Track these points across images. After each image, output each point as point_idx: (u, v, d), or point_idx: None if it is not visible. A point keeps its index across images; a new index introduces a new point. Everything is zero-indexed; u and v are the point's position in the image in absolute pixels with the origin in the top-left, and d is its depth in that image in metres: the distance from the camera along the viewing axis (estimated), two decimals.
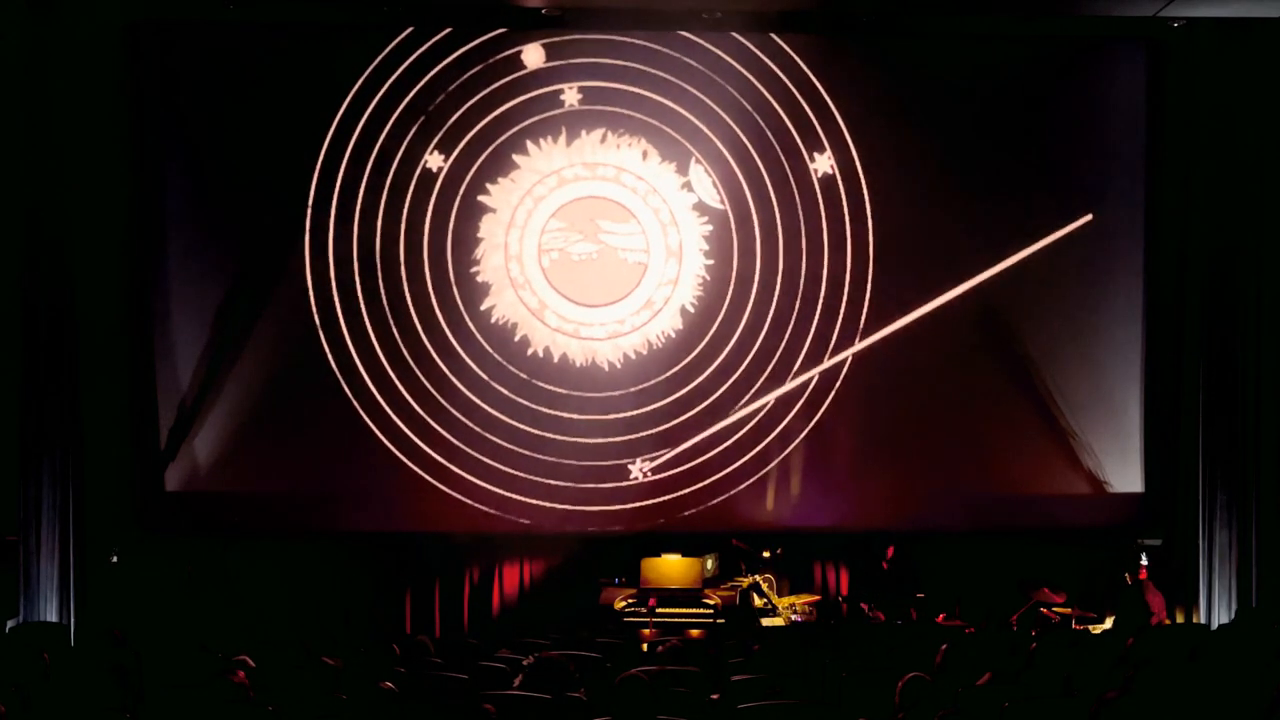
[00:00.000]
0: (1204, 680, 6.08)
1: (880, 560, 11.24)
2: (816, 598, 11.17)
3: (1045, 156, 11.29)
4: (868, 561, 11.39)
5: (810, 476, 11.35)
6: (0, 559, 10.08)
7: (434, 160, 11.14)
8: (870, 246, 11.20)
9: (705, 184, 11.25)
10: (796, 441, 11.31)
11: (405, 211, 11.14)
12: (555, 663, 7.09)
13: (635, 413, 11.27)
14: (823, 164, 11.22)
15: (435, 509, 11.21)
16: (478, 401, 11.21)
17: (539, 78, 11.13)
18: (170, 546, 11.16)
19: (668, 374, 11.29)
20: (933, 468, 11.29)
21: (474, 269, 11.26)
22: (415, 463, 11.18)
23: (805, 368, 11.29)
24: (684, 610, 10.66)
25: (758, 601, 10.86)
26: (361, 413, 11.13)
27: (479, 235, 11.25)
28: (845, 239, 11.22)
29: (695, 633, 10.47)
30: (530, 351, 11.28)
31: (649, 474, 11.31)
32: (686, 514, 11.30)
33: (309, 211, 11.08)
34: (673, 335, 11.34)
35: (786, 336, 11.27)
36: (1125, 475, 11.30)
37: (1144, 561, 10.63)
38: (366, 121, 11.03)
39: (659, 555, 10.96)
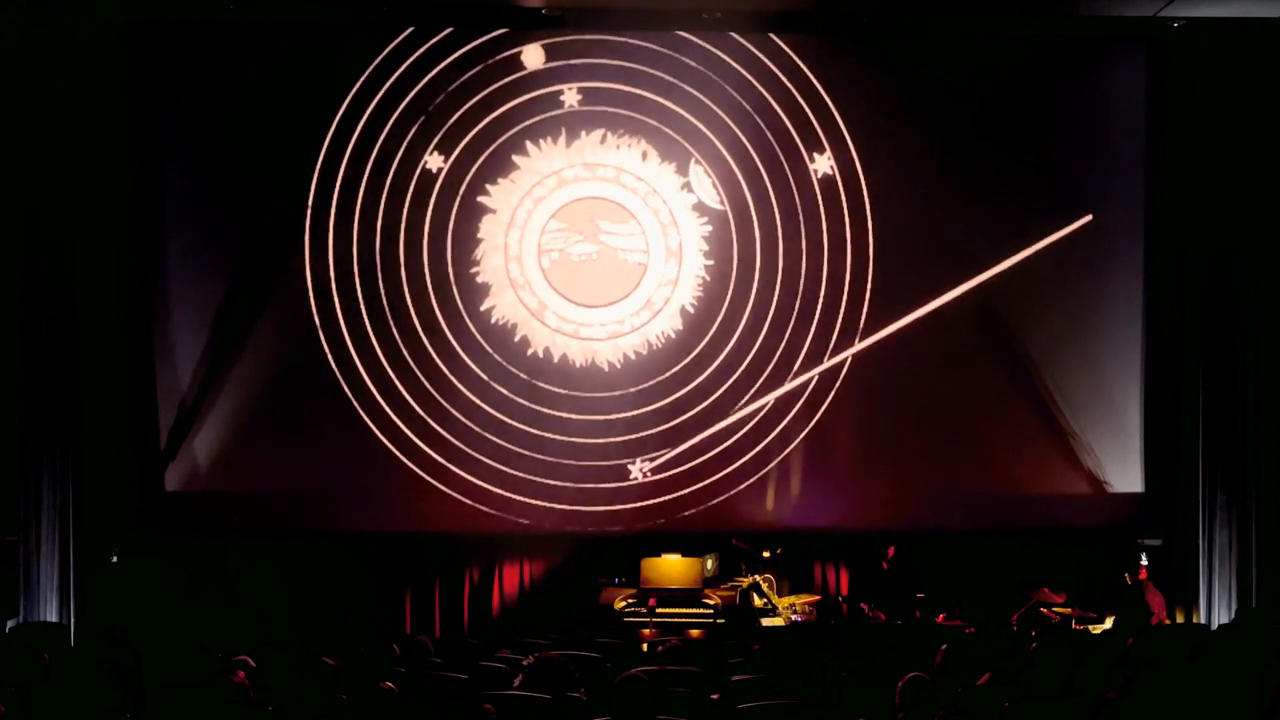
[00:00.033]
0: (1204, 680, 6.09)
1: (880, 560, 11.24)
2: (816, 598, 11.17)
3: (1045, 156, 11.29)
4: (868, 561, 11.39)
5: (810, 476, 11.35)
6: (0, 559, 10.08)
7: (434, 161, 11.13)
8: (870, 247, 11.20)
9: (705, 184, 11.25)
10: (796, 441, 11.31)
11: (405, 212, 11.14)
12: (555, 663, 7.09)
13: (635, 413, 11.27)
14: (822, 164, 11.22)
15: (435, 509, 11.21)
16: (478, 402, 11.21)
17: (539, 78, 11.13)
18: (170, 546, 11.17)
19: (667, 374, 11.29)
20: (933, 468, 11.29)
21: (474, 269, 11.26)
22: (415, 463, 11.18)
23: (805, 368, 11.29)
24: (684, 610, 10.65)
25: (758, 601, 10.86)
26: (361, 413, 11.13)
27: (479, 236, 11.25)
28: (845, 239, 11.21)
29: (695, 633, 10.48)
30: (530, 352, 11.28)
31: (649, 474, 11.30)
32: (686, 514, 11.29)
33: (309, 212, 11.08)
34: (672, 336, 11.34)
35: (786, 337, 11.26)
36: (1125, 475, 11.30)
37: (1144, 561, 10.63)
38: (366, 122, 11.03)
39: (659, 555, 10.96)
